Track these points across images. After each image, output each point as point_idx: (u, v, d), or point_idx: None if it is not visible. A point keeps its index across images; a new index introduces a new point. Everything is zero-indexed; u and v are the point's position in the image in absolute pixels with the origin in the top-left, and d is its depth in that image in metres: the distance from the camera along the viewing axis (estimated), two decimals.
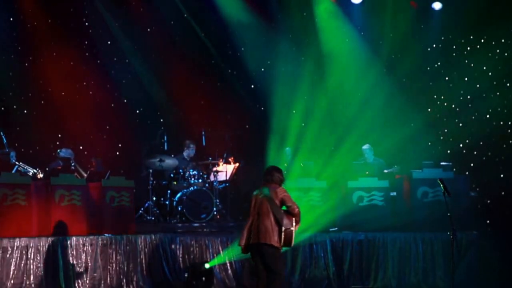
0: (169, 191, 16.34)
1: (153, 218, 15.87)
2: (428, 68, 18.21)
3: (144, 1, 18.04)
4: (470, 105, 17.84)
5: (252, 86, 18.75)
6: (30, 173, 14.00)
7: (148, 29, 18.21)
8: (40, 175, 14.07)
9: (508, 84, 17.40)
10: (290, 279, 14.36)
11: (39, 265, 12.92)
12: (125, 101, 18.08)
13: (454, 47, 18.03)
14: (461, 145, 17.72)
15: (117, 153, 17.73)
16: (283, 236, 10.72)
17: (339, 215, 15.01)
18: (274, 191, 10.89)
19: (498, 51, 17.49)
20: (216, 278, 14.04)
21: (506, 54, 17.38)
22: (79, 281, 13.17)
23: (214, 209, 16.13)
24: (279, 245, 10.72)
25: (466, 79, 17.90)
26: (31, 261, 12.87)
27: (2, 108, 16.78)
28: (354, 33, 18.37)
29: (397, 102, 17.78)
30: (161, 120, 18.29)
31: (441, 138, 17.89)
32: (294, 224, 10.82)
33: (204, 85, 18.62)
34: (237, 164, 17.20)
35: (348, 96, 18.11)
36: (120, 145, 17.90)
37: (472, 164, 17.42)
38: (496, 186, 16.86)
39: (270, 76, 18.15)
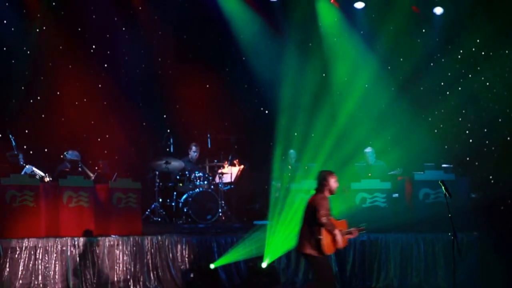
0: (175, 193, 16.45)
1: (159, 219, 16.00)
2: (430, 72, 18.31)
3: (151, 6, 18.13)
4: (470, 107, 17.96)
5: (257, 89, 18.85)
6: (38, 177, 14.09)
7: (155, 34, 18.29)
8: (48, 179, 14.16)
9: (508, 87, 17.49)
10: (294, 279, 14.46)
11: (47, 265, 13.01)
12: (131, 104, 18.13)
13: (455, 50, 18.13)
14: (462, 147, 17.82)
15: (124, 155, 17.78)
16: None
17: (342, 216, 15.10)
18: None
19: (498, 53, 17.57)
20: (221, 278, 14.16)
21: (506, 56, 17.48)
22: (87, 281, 13.24)
23: (219, 210, 16.23)
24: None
25: (466, 82, 18.01)
26: (39, 261, 12.96)
27: (12, 112, 16.86)
28: (357, 37, 18.47)
29: (399, 105, 17.89)
30: (167, 123, 18.37)
31: (442, 140, 17.97)
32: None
33: (210, 88, 18.70)
34: (242, 166, 17.31)
35: (352, 99, 18.18)
36: (126, 147, 17.98)
37: (473, 166, 17.53)
38: (496, 188, 16.95)
39: (275, 80, 18.20)
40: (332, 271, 11.20)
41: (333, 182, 10.96)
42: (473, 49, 17.99)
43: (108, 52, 17.98)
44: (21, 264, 12.86)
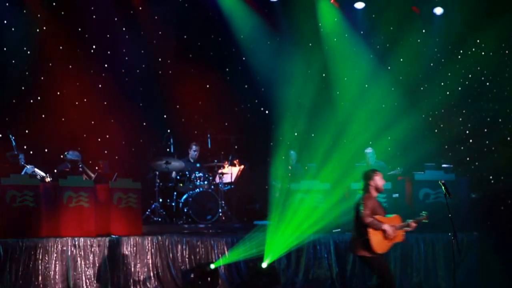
0: (175, 193, 16.48)
1: (159, 219, 16.01)
2: (430, 72, 18.34)
3: (151, 6, 18.14)
4: (471, 108, 17.99)
5: (257, 89, 18.84)
6: (39, 177, 14.11)
7: (155, 34, 18.29)
8: (48, 179, 14.18)
9: (508, 88, 17.54)
10: (294, 279, 14.49)
11: (47, 265, 13.02)
12: (131, 104, 18.14)
13: (455, 51, 18.15)
14: (462, 148, 17.85)
15: (124, 155, 17.80)
16: None
17: (343, 216, 15.14)
18: None
19: (498, 55, 17.61)
20: (221, 278, 14.18)
21: (506, 58, 17.52)
22: (87, 281, 13.27)
23: (219, 210, 16.26)
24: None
25: (466, 83, 18.05)
26: (39, 261, 12.97)
27: (12, 112, 16.87)
28: (357, 37, 18.52)
29: (399, 105, 17.93)
30: (167, 123, 18.38)
31: (443, 140, 18.01)
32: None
33: (210, 88, 18.72)
34: (242, 166, 17.33)
35: (351, 99, 18.24)
36: (127, 147, 17.99)
37: (472, 166, 17.55)
38: (496, 188, 16.98)
39: (275, 80, 18.24)
40: (389, 268, 11.01)
41: (378, 180, 10.95)
42: (473, 49, 18.03)
43: (108, 52, 17.97)
44: (21, 264, 12.86)
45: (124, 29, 17.98)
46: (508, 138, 17.42)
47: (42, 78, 17.25)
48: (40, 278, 12.96)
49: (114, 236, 13.74)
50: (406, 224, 10.93)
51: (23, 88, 17.05)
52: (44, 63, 17.21)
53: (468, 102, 18.07)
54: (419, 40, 18.45)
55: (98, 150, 17.26)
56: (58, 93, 17.38)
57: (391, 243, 10.88)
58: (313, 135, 18.04)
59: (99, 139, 17.67)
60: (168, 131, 17.47)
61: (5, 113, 16.57)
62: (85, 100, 17.57)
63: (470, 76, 18.08)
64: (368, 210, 10.76)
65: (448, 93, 18.25)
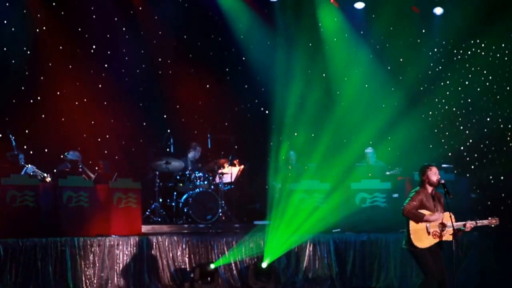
0: (175, 193, 16.49)
1: (159, 219, 16.02)
2: (430, 72, 18.32)
3: (151, 6, 18.14)
4: (470, 108, 18.01)
5: (257, 89, 18.86)
6: (39, 177, 14.11)
7: (155, 34, 18.29)
8: (48, 179, 14.17)
9: (508, 88, 17.55)
10: (294, 279, 14.50)
11: (48, 265, 13.03)
12: (131, 104, 18.14)
13: (455, 51, 18.17)
14: (462, 148, 17.86)
15: (124, 155, 17.81)
16: None
17: (342, 216, 15.16)
18: None
19: (498, 55, 17.64)
20: (221, 278, 14.19)
21: (506, 58, 17.54)
22: (87, 281, 13.29)
23: (219, 210, 16.24)
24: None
25: (466, 82, 18.05)
26: (40, 261, 12.96)
27: (12, 112, 16.87)
28: (357, 37, 18.53)
29: (399, 106, 17.93)
30: (167, 122, 18.38)
31: (442, 140, 18.02)
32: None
33: (210, 88, 18.74)
34: (242, 166, 17.34)
35: (351, 99, 18.25)
36: (127, 147, 18.00)
37: (472, 166, 17.55)
38: (496, 187, 16.99)
39: (275, 80, 18.25)
40: (434, 264, 10.88)
41: (431, 175, 10.85)
42: (473, 49, 18.04)
43: (108, 52, 17.96)
44: (21, 264, 12.85)
45: (124, 29, 17.97)
46: (508, 138, 17.43)
47: (42, 78, 17.22)
48: (40, 278, 12.96)
49: (114, 236, 13.73)
50: (461, 224, 10.81)
51: (23, 88, 17.04)
52: (44, 63, 17.18)
53: (468, 102, 18.07)
54: (419, 40, 18.48)
55: (98, 150, 17.27)
56: (58, 93, 17.36)
57: (436, 240, 10.77)
58: (313, 135, 18.03)
59: (99, 139, 17.66)
60: (168, 131, 17.46)
61: (5, 113, 16.54)
62: (85, 100, 17.55)
63: (470, 76, 18.09)
64: (412, 204, 10.70)
65: (448, 93, 18.27)
